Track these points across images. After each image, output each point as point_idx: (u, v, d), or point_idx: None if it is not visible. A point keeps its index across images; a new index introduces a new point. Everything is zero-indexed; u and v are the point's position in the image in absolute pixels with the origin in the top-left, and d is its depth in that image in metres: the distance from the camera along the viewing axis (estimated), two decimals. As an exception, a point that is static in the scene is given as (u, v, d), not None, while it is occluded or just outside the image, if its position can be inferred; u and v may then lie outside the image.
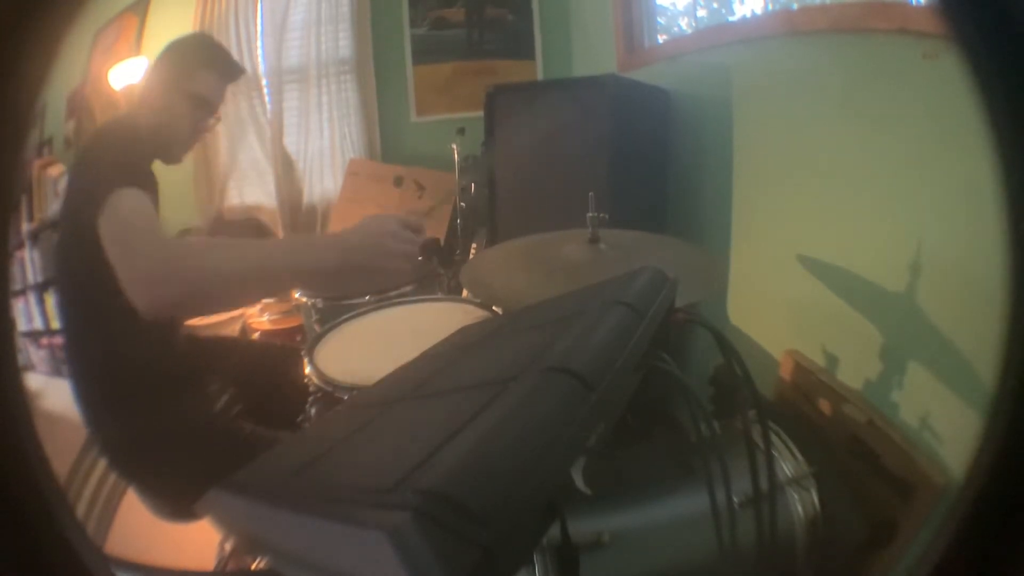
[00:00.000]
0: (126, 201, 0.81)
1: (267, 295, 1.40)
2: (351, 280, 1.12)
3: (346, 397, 0.89)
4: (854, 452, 0.99)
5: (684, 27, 1.82)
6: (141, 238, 0.79)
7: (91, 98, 1.14)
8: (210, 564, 0.96)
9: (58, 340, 0.98)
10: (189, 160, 1.83)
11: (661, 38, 1.88)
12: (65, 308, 0.97)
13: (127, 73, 1.18)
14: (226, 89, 1.10)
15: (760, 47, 1.36)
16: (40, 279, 1.01)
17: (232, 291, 0.84)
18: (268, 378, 1.12)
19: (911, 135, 0.95)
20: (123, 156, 0.90)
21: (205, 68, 1.06)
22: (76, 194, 0.92)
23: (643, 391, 0.45)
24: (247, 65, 1.95)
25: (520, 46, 2.25)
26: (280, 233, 2.03)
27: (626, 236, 1.00)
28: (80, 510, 0.84)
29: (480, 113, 1.72)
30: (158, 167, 1.01)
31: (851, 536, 0.93)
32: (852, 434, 1.01)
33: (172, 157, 1.07)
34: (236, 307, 1.41)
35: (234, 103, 1.93)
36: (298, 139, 2.06)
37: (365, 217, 0.88)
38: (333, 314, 1.18)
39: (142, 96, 1.06)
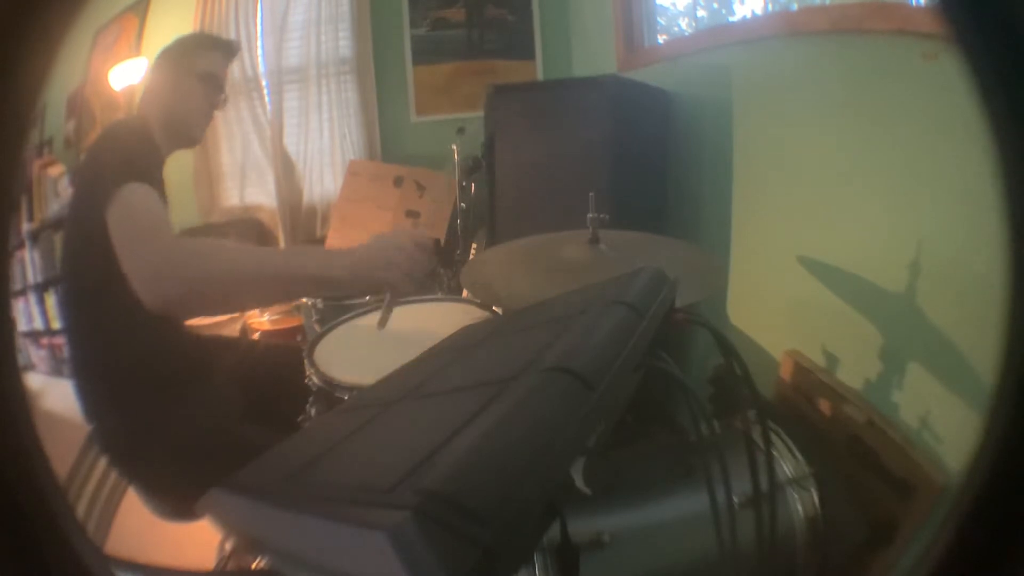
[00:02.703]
0: (136, 195, 0.82)
1: (271, 301, 1.41)
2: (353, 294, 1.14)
3: (346, 397, 0.89)
4: (854, 452, 0.99)
5: (684, 27, 1.82)
6: (150, 233, 0.80)
7: (91, 98, 1.14)
8: (210, 564, 0.95)
9: (58, 340, 0.98)
10: (189, 160, 1.84)
11: (661, 38, 1.88)
12: (69, 304, 0.97)
13: (127, 73, 1.18)
14: (229, 66, 1.14)
15: (760, 47, 1.36)
16: (40, 279, 1.01)
17: (235, 293, 0.84)
18: (269, 378, 1.12)
19: (911, 135, 0.95)
20: (134, 153, 0.91)
21: (206, 49, 1.11)
22: (85, 188, 0.93)
23: (643, 391, 0.45)
24: (247, 65, 1.95)
25: (520, 46, 2.25)
26: (280, 233, 2.03)
27: (626, 237, 1.00)
28: (80, 510, 0.84)
29: (480, 113, 1.72)
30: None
31: (851, 536, 0.93)
32: (852, 434, 1.01)
33: (192, 139, 1.11)
34: (240, 309, 1.42)
35: (234, 103, 1.93)
36: (298, 139, 2.06)
37: (378, 234, 0.90)
38: (333, 314, 1.18)
39: (149, 93, 1.07)
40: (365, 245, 0.89)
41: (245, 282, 0.82)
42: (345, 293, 1.03)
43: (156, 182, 0.90)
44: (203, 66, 1.07)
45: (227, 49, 1.16)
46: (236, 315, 1.54)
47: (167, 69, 1.06)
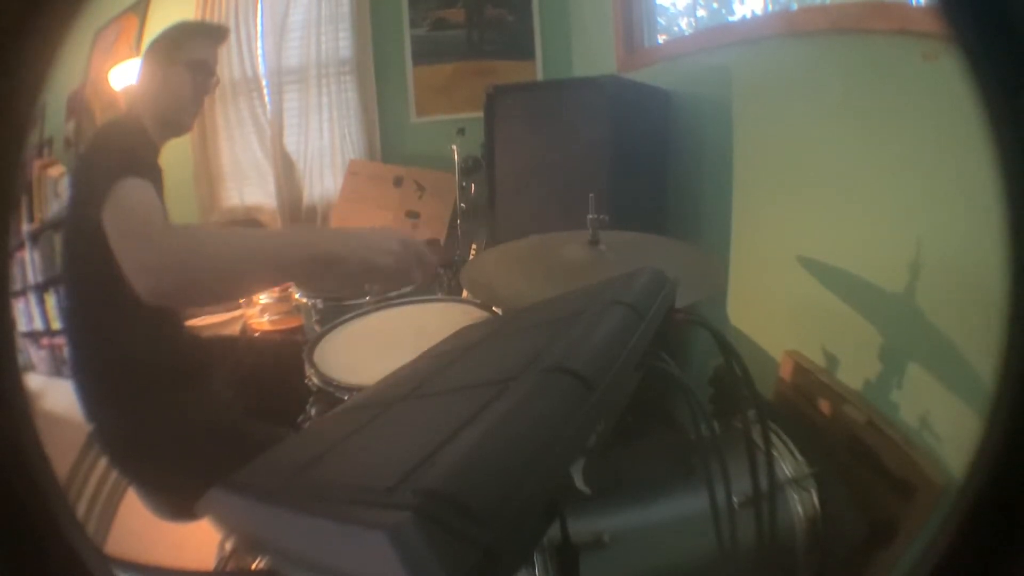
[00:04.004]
0: (130, 191, 0.81)
1: (270, 283, 1.38)
2: (350, 277, 1.12)
3: (346, 397, 0.89)
4: (854, 452, 0.99)
5: (684, 27, 1.82)
6: (144, 226, 0.79)
7: (91, 98, 1.15)
8: (210, 564, 0.96)
9: (58, 340, 0.98)
10: (190, 160, 1.84)
11: (661, 38, 1.88)
12: (69, 304, 0.97)
13: (127, 73, 1.18)
14: (218, 50, 1.13)
15: (760, 47, 1.36)
16: (40, 279, 1.01)
17: (232, 278, 0.83)
18: (269, 377, 1.12)
19: (911, 135, 0.95)
20: (127, 148, 0.91)
21: (192, 36, 1.09)
22: (81, 187, 0.93)
23: (643, 391, 0.45)
24: (247, 65, 1.95)
25: (520, 46, 2.25)
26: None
27: (626, 237, 1.00)
28: (80, 510, 0.84)
29: (480, 113, 1.72)
30: (165, 158, 1.01)
31: (851, 536, 0.93)
32: (852, 434, 1.01)
33: (182, 127, 1.10)
34: (240, 294, 1.39)
35: (234, 103, 1.93)
36: (298, 139, 2.06)
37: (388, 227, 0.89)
38: (333, 314, 1.18)
39: (139, 88, 1.07)
40: (370, 228, 0.88)
41: (242, 266, 0.81)
42: (342, 271, 1.01)
43: (152, 174, 0.89)
44: (189, 54, 1.06)
45: (215, 34, 1.16)
46: (236, 315, 1.55)
47: (156, 62, 1.06)
